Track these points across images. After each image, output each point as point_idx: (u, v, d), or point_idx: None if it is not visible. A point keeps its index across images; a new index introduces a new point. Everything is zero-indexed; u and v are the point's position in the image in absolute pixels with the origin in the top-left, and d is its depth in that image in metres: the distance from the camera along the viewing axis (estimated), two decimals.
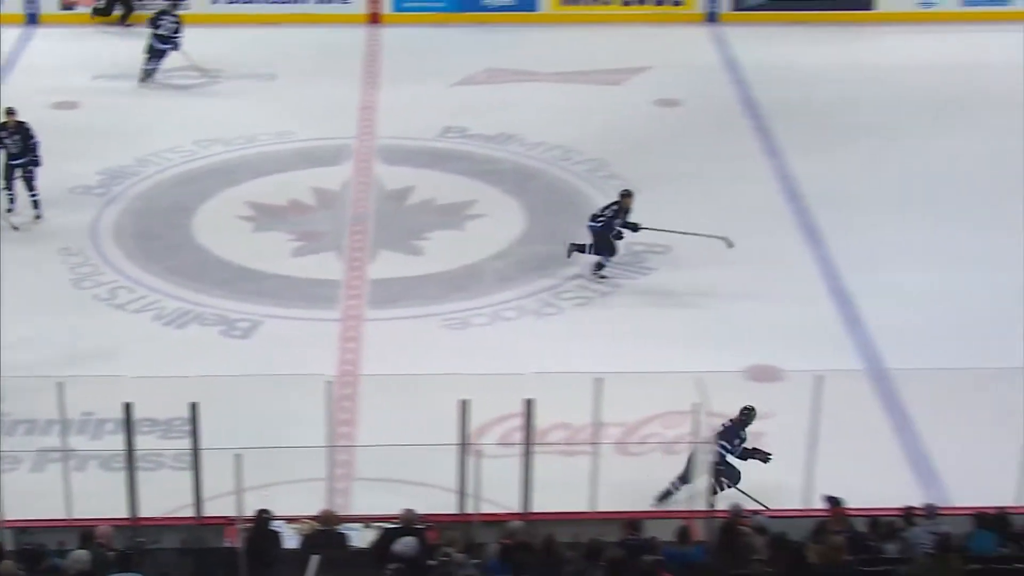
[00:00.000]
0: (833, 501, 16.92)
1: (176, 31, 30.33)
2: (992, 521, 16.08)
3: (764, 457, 18.10)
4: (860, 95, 30.47)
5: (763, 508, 16.99)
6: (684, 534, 15.53)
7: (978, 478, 17.94)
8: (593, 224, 23.24)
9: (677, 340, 21.57)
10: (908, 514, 16.27)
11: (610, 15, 34.21)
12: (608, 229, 23.08)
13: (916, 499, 17.03)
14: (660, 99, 30.15)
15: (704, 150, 27.71)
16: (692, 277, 23.32)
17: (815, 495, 17.67)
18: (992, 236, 24.50)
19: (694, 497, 17.55)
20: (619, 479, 17.63)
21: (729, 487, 18.00)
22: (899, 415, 19.58)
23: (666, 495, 18.21)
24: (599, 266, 23.32)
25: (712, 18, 34.37)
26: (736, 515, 15.79)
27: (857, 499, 17.51)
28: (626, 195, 23.34)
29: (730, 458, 18.03)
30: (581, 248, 23.30)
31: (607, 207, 23.32)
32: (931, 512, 16.23)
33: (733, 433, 18.09)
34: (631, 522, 15.70)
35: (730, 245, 23.22)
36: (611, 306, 22.72)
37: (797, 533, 15.40)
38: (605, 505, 17.09)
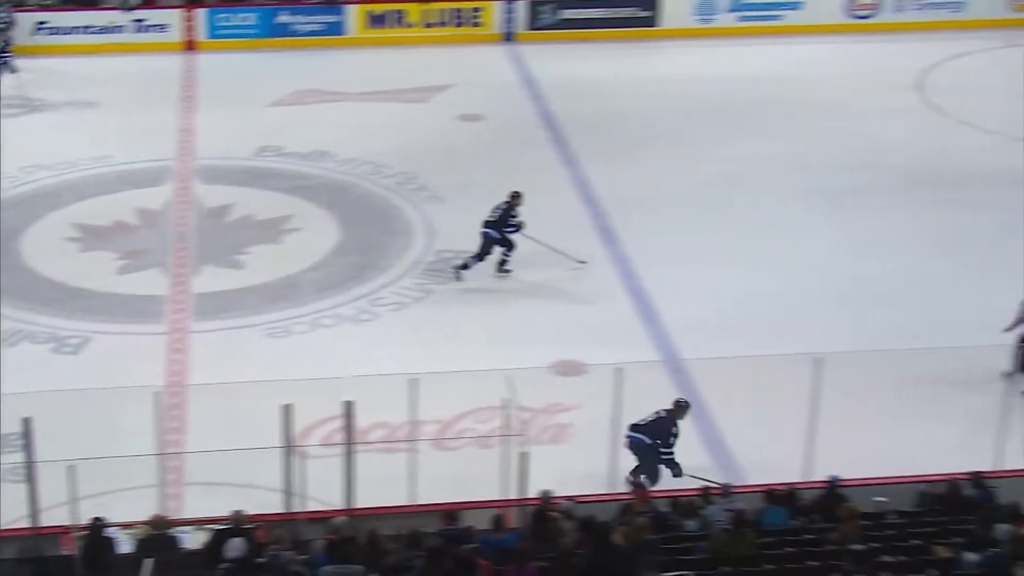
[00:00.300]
0: (636, 484, 17.06)
1: (3, 50, 29.82)
2: (782, 497, 16.36)
3: (678, 472, 18.05)
4: (648, 106, 30.84)
5: (715, 484, 16.96)
6: (499, 522, 15.53)
7: (768, 458, 18.21)
8: (488, 231, 23.17)
9: (486, 339, 21.61)
10: (706, 493, 16.48)
11: (413, 37, 34.21)
12: (504, 231, 23.14)
13: (712, 479, 17.27)
14: (463, 114, 30.21)
15: (506, 161, 27.80)
16: (499, 279, 23.37)
17: (619, 479, 17.86)
18: (775, 236, 24.91)
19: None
20: (436, 473, 17.58)
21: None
22: (695, 402, 19.78)
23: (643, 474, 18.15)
24: (503, 261, 23.36)
25: (509, 38, 34.52)
26: (546, 501, 15.85)
27: (658, 481, 17.75)
28: (515, 196, 23.34)
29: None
30: (464, 267, 23.22)
31: (501, 211, 23.20)
32: (726, 491, 16.45)
33: (666, 428, 18.05)
34: (449, 513, 15.73)
35: (582, 262, 23.43)
36: (423, 310, 22.66)
37: (604, 516, 15.51)
38: (424, 498, 17.03)
